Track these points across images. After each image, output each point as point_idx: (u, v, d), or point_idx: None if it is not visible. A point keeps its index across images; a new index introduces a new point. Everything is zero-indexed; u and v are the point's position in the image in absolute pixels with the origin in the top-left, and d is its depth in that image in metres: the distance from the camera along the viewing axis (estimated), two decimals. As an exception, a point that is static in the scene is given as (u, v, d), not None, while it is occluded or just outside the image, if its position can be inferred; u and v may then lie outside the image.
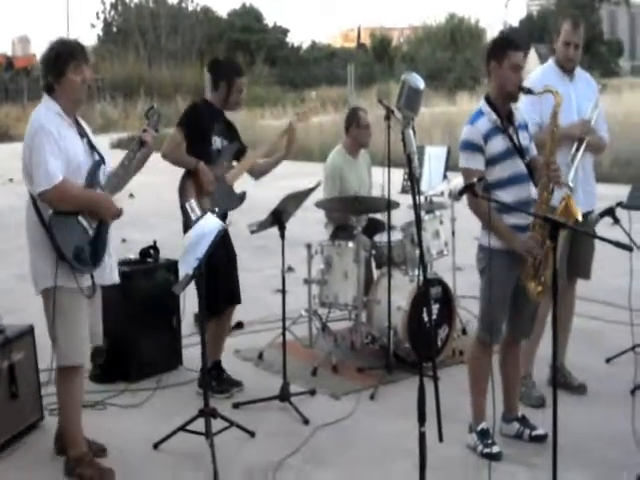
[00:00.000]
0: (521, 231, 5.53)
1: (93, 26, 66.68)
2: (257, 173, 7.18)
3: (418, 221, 4.43)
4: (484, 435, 5.77)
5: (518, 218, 5.54)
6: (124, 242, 12.00)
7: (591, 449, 5.84)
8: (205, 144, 6.85)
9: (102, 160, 5.51)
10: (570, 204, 5.41)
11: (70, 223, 5.28)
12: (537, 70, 6.86)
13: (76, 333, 5.44)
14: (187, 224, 6.33)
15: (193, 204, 6.42)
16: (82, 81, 5.37)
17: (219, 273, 6.76)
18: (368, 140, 8.44)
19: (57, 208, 5.20)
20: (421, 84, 4.59)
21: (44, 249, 5.26)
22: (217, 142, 6.92)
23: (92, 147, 5.51)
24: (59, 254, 5.20)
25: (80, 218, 5.32)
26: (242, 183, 7.01)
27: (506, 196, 5.51)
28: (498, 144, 5.56)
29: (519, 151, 5.62)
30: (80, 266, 5.31)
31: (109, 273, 5.64)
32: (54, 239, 5.18)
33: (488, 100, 5.67)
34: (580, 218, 5.39)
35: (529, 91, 5.62)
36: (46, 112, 5.33)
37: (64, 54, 5.35)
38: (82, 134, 5.47)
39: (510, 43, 5.68)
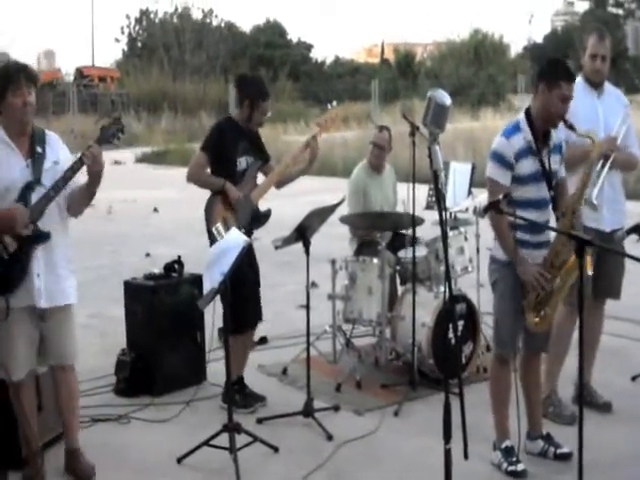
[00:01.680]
0: (533, 248, 5.53)
1: (118, 40, 67.04)
2: (279, 183, 7.18)
3: (444, 238, 4.42)
4: (508, 453, 5.74)
5: (532, 235, 5.53)
6: (148, 256, 12.07)
7: (616, 467, 5.79)
8: (230, 166, 6.86)
9: (36, 181, 5.42)
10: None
11: None
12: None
13: (7, 351, 5.52)
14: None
15: (220, 228, 6.43)
16: (23, 104, 5.39)
17: (247, 290, 6.78)
18: (377, 160, 8.47)
19: None
20: (447, 100, 4.59)
21: None
22: (242, 163, 6.93)
23: (37, 167, 5.47)
24: None
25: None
26: (267, 198, 7.01)
27: (526, 216, 5.48)
28: (528, 166, 5.53)
29: (547, 176, 5.58)
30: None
31: (45, 294, 5.49)
32: None
33: (528, 115, 5.62)
34: (590, 273, 5.35)
35: (571, 127, 5.56)
36: None
37: (4, 78, 5.40)
38: (33, 155, 5.46)
39: (565, 74, 5.55)
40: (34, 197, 5.38)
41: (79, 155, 5.40)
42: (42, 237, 5.42)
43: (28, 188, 5.39)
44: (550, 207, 5.62)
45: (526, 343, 5.82)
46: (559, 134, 5.78)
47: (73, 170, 5.40)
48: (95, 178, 5.47)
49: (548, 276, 5.40)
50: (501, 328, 5.66)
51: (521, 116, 5.65)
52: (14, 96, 5.36)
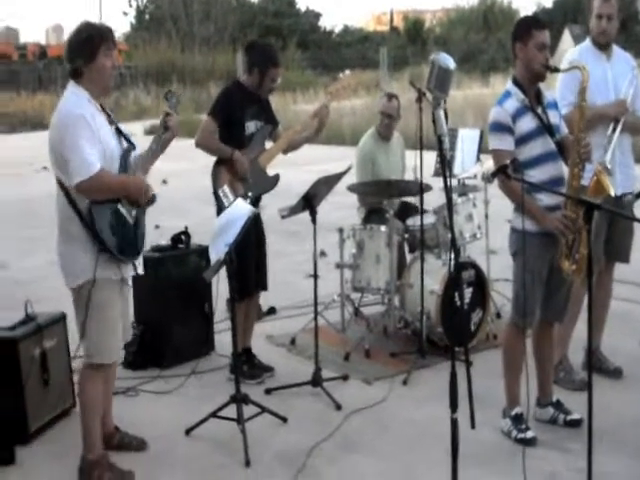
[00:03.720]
0: (554, 210, 5.46)
1: (126, 14, 67.24)
2: (286, 149, 7.12)
3: (449, 203, 4.36)
4: (518, 420, 5.71)
5: (550, 198, 5.47)
6: (157, 228, 12.02)
7: (627, 433, 5.77)
8: (238, 131, 6.81)
9: (133, 146, 5.34)
10: (601, 179, 5.34)
11: (110, 212, 5.10)
12: (574, 50, 6.75)
13: (112, 329, 5.29)
14: (220, 210, 6.32)
15: (226, 190, 6.40)
16: (112, 66, 5.18)
17: (250, 257, 6.75)
18: (386, 129, 8.40)
19: (94, 198, 5.01)
20: (451, 64, 4.52)
21: (81, 242, 5.07)
22: (251, 127, 6.88)
23: (120, 133, 5.33)
24: (101, 245, 5.04)
25: (119, 207, 5.15)
26: (274, 166, 6.97)
27: (538, 175, 5.46)
28: (527, 123, 5.50)
29: (548, 129, 5.55)
30: (123, 256, 5.18)
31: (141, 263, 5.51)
32: (95, 230, 5.01)
33: (515, 82, 5.61)
34: (612, 193, 5.31)
35: (556, 69, 5.57)
36: (77, 99, 5.10)
37: (96, 37, 5.11)
38: (111, 121, 5.29)
39: (534, 22, 5.63)
40: (132, 162, 5.30)
41: (162, 119, 5.40)
42: (153, 200, 5.41)
43: (125, 155, 5.26)
44: (561, 161, 5.56)
45: (544, 313, 5.77)
46: (564, 94, 5.75)
47: (160, 136, 5.41)
48: (167, 146, 5.50)
49: (572, 215, 5.33)
50: (521, 297, 5.59)
51: (509, 84, 5.66)
52: (106, 57, 5.13)
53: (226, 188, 6.46)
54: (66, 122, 5.00)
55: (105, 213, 5.07)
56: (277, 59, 6.93)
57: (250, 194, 6.34)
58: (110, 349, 5.34)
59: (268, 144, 7.07)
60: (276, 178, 6.89)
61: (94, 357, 5.26)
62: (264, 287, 7.15)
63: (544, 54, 5.51)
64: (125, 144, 5.32)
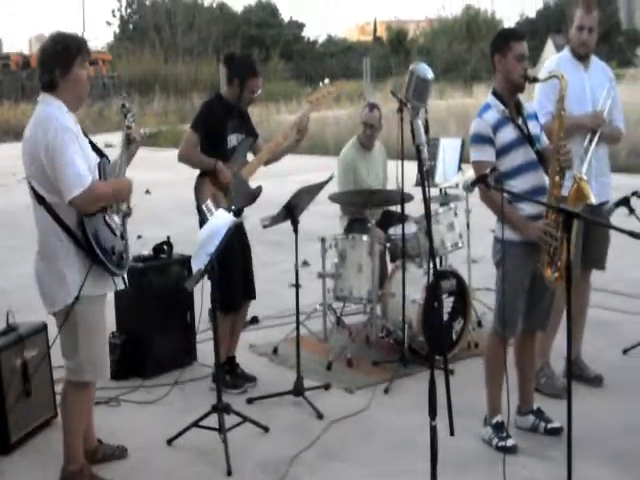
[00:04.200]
0: (536, 220, 5.48)
1: (109, 24, 67.03)
2: (268, 160, 7.12)
3: (427, 212, 4.38)
4: (499, 428, 5.73)
5: (532, 207, 5.50)
6: (140, 238, 12.02)
7: (607, 441, 5.78)
8: (220, 144, 6.82)
9: (106, 158, 5.27)
10: (582, 186, 5.36)
11: (100, 225, 5.05)
12: (552, 59, 6.80)
13: (101, 344, 5.27)
14: (203, 224, 6.33)
15: (210, 205, 6.40)
16: (87, 77, 5.14)
17: (235, 269, 6.78)
18: (368, 139, 8.42)
19: (88, 211, 4.94)
20: (429, 74, 4.56)
21: (70, 259, 4.98)
22: (232, 140, 6.90)
23: (91, 145, 5.26)
24: (94, 259, 4.96)
25: (107, 218, 5.10)
26: (257, 177, 6.98)
27: (519, 184, 5.50)
28: (507, 134, 5.54)
29: (529, 139, 5.59)
30: (117, 269, 5.12)
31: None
32: (90, 244, 4.93)
33: (495, 93, 5.65)
34: (593, 200, 5.34)
35: (534, 79, 5.62)
36: (58, 111, 5.00)
37: (73, 47, 5.04)
38: (84, 133, 5.21)
39: (512, 34, 5.70)
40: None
41: (125, 133, 5.35)
42: (129, 213, 5.37)
43: (103, 165, 5.16)
44: (542, 171, 5.59)
45: (526, 321, 5.80)
46: (545, 104, 5.79)
47: (125, 150, 5.35)
48: (133, 157, 5.47)
49: (553, 224, 5.36)
50: (504, 307, 5.62)
51: (489, 97, 5.70)
52: (81, 68, 5.07)
53: (209, 203, 6.46)
54: (52, 135, 4.89)
55: (95, 225, 5.02)
56: (256, 69, 6.94)
57: (233, 208, 6.35)
58: (102, 366, 5.33)
59: (249, 157, 7.09)
60: (259, 190, 6.91)
61: (86, 375, 5.23)
62: (253, 297, 7.16)
63: (523, 65, 5.55)
64: (97, 156, 5.22)
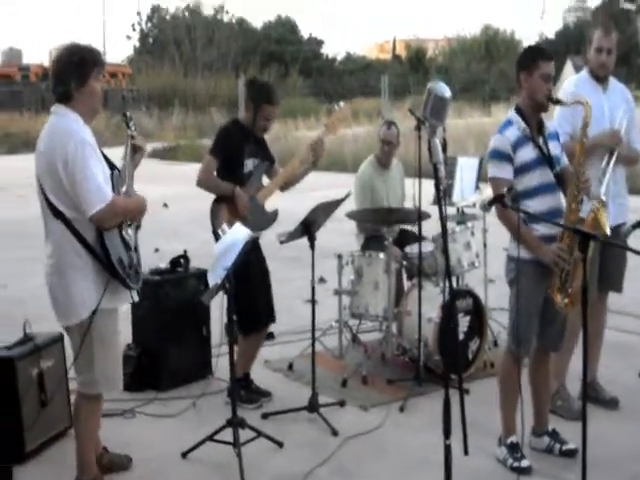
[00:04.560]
0: (550, 241, 5.47)
1: (129, 37, 67.09)
2: (284, 186, 7.17)
3: (444, 230, 4.40)
4: (514, 448, 5.72)
5: (547, 228, 5.49)
6: (157, 251, 12.06)
7: (623, 464, 5.77)
8: (237, 169, 6.86)
9: (117, 169, 5.27)
10: (599, 216, 5.37)
11: (118, 239, 5.08)
12: (570, 80, 6.79)
13: (116, 357, 5.32)
14: (219, 243, 6.35)
15: (225, 229, 6.41)
16: (101, 89, 5.15)
17: (257, 291, 6.82)
18: (385, 156, 8.44)
19: (108, 226, 4.96)
20: (447, 92, 4.58)
21: (87, 273, 4.98)
22: (249, 165, 6.93)
23: (103, 155, 5.23)
24: (112, 273, 4.98)
25: (123, 233, 5.12)
26: (275, 194, 7.01)
27: (535, 205, 5.48)
28: (527, 153, 5.53)
29: (548, 160, 5.57)
30: (133, 283, 5.15)
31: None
32: (109, 258, 4.94)
33: (518, 110, 5.64)
34: (608, 231, 5.33)
35: (558, 101, 5.60)
36: (74, 123, 5.01)
37: (89, 60, 5.06)
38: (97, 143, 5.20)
39: (540, 53, 5.66)
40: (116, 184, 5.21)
41: (129, 144, 5.34)
42: (139, 226, 5.39)
43: (114, 177, 5.16)
44: (560, 193, 5.58)
45: (540, 341, 5.79)
46: (562, 124, 5.80)
47: (131, 159, 5.35)
48: (138, 165, 5.46)
49: (566, 249, 5.35)
50: (518, 327, 5.62)
51: (511, 112, 5.69)
52: (97, 80, 5.07)
53: (225, 227, 6.47)
54: (72, 148, 4.88)
55: (114, 240, 5.04)
56: (273, 98, 6.94)
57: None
58: (117, 379, 5.37)
59: (265, 181, 7.12)
60: (275, 214, 6.93)
61: (100, 387, 5.26)
62: (272, 319, 7.19)
63: (548, 85, 5.54)
64: (108, 168, 5.21)
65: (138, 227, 5.39)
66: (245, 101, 7.05)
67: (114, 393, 6.17)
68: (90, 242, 4.98)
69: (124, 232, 5.15)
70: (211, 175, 6.88)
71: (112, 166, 5.27)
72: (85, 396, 5.30)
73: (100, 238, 4.96)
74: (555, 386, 6.54)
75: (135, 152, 5.41)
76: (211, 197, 6.92)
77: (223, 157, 6.85)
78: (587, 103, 5.51)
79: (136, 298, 5.36)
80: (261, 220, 6.85)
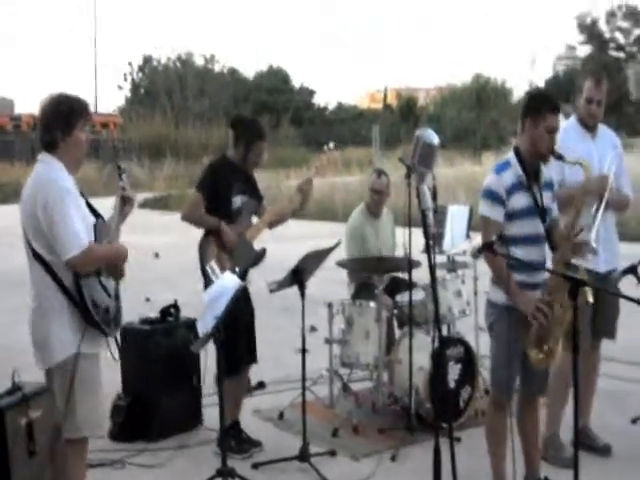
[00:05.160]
0: (530, 289, 5.47)
1: (120, 87, 67.26)
2: (272, 224, 7.17)
3: (433, 277, 4.40)
4: (505, 498, 5.68)
5: (528, 276, 5.50)
6: (148, 301, 12.03)
7: (615, 512, 5.74)
8: (225, 205, 6.87)
9: (102, 218, 5.33)
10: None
11: (95, 285, 5.11)
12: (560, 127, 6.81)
13: (98, 401, 5.30)
14: (208, 286, 6.33)
15: (214, 266, 6.41)
16: (86, 140, 5.23)
17: (240, 332, 6.78)
18: (375, 205, 8.47)
19: (83, 271, 5.00)
20: (435, 139, 4.59)
21: (64, 317, 5.03)
22: (237, 201, 6.94)
23: (88, 206, 5.31)
24: (87, 319, 5.02)
25: (102, 279, 5.16)
26: (265, 241, 7.01)
27: (521, 254, 5.46)
28: (520, 200, 5.51)
29: (541, 212, 5.56)
30: (109, 329, 5.17)
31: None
32: (85, 304, 4.99)
33: (517, 153, 5.62)
34: (591, 300, 5.31)
35: (560, 157, 5.56)
36: (58, 171, 5.08)
37: (76, 110, 5.15)
38: (81, 193, 5.26)
39: (549, 105, 5.59)
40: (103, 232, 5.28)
41: (119, 197, 5.40)
42: (124, 274, 5.38)
43: (98, 226, 5.23)
44: (546, 244, 5.58)
45: (523, 386, 5.77)
46: (551, 173, 5.80)
47: (120, 211, 5.41)
48: (127, 217, 5.50)
49: (546, 307, 5.33)
50: (497, 371, 5.62)
51: (510, 154, 5.65)
52: (82, 131, 5.16)
53: (213, 264, 6.47)
54: (52, 195, 4.96)
55: (91, 286, 5.08)
56: (263, 133, 7.02)
57: (237, 270, 6.36)
58: (100, 422, 5.38)
59: (254, 219, 7.13)
60: (263, 252, 6.92)
61: (83, 431, 5.23)
62: (254, 361, 7.15)
63: (552, 138, 5.53)
64: (92, 217, 5.28)
65: (121, 275, 5.38)
66: (234, 139, 7.03)
67: (102, 442, 6.18)
68: (68, 286, 5.03)
69: (103, 279, 5.18)
70: (196, 209, 6.88)
71: (97, 215, 5.33)
72: (72, 441, 5.27)
73: (77, 283, 5.00)
74: (548, 434, 6.51)
75: (124, 204, 5.45)
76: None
77: (210, 193, 6.85)
78: (588, 167, 5.54)
79: (115, 352, 5.39)
80: (249, 257, 6.84)
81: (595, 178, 6.32)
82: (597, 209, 6.32)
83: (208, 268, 6.45)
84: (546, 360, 5.44)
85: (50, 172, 5.09)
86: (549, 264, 5.53)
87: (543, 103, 5.64)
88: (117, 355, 5.40)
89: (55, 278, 5.04)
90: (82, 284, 5.00)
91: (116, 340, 5.38)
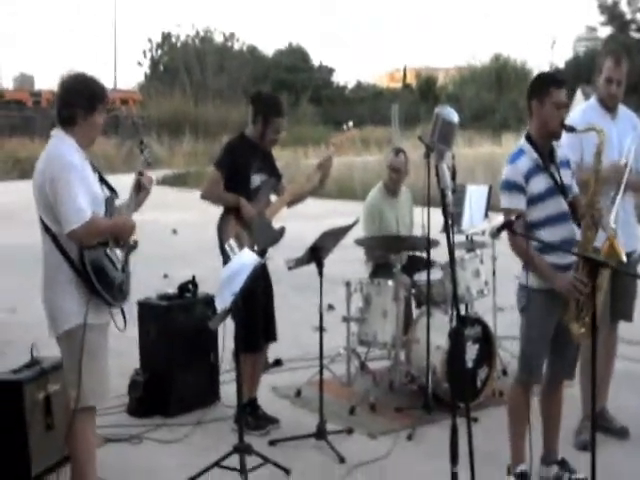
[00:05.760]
0: (562, 270, 5.44)
1: (140, 64, 67.20)
2: (291, 202, 7.17)
3: (452, 256, 4.39)
4: (523, 478, 5.67)
5: (559, 257, 5.46)
6: (166, 277, 12.06)
7: (632, 494, 5.73)
8: (244, 183, 6.86)
9: (115, 194, 5.46)
10: (614, 244, 5.34)
11: (101, 257, 5.19)
12: (578, 108, 6.76)
13: (103, 370, 5.34)
14: (226, 264, 6.34)
15: (232, 244, 6.41)
16: (101, 124, 5.36)
17: (258, 309, 6.77)
18: (393, 184, 8.46)
19: (86, 244, 5.10)
20: (455, 117, 4.56)
21: (69, 288, 5.14)
22: (256, 180, 6.92)
23: (102, 180, 5.43)
24: (92, 290, 5.11)
25: (108, 251, 5.24)
26: (285, 219, 7.01)
27: (548, 235, 5.43)
28: (540, 183, 5.47)
29: (561, 190, 5.52)
30: (114, 300, 5.24)
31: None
32: (88, 276, 5.09)
33: (529, 138, 5.57)
34: (624, 259, 5.29)
35: (571, 129, 5.51)
36: (67, 147, 5.20)
37: (99, 94, 5.31)
38: (94, 168, 5.38)
39: (553, 80, 5.57)
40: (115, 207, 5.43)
41: (136, 179, 5.53)
42: (135, 246, 5.50)
43: (110, 201, 5.37)
44: (572, 223, 5.54)
45: (552, 370, 5.75)
46: (567, 153, 5.76)
47: (134, 196, 5.53)
48: (142, 203, 5.62)
49: (584, 279, 5.29)
50: (528, 355, 5.59)
51: (522, 141, 5.62)
52: (100, 114, 5.30)
53: (232, 242, 6.47)
54: (58, 169, 5.09)
55: (96, 258, 5.17)
56: (281, 109, 6.99)
57: (256, 248, 6.36)
58: (104, 391, 5.40)
59: (272, 197, 7.12)
60: (282, 231, 6.90)
61: (89, 400, 5.26)
62: (274, 338, 7.16)
63: (561, 113, 5.48)
64: (107, 191, 5.41)
65: (132, 248, 5.48)
66: (252, 115, 7.01)
67: (119, 417, 6.22)
68: (73, 258, 5.13)
69: (109, 251, 5.26)
70: (215, 186, 6.88)
71: (111, 189, 5.47)
72: (80, 411, 5.27)
73: (81, 254, 5.10)
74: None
75: (139, 190, 5.56)
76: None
77: (229, 171, 6.84)
78: (601, 130, 5.48)
79: (121, 325, 5.41)
80: (268, 236, 6.83)
81: (608, 168, 6.16)
82: (616, 191, 6.27)
83: (227, 246, 6.45)
84: (587, 334, 5.39)
85: (59, 148, 5.21)
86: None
87: (546, 80, 5.63)
88: (122, 326, 5.39)
89: (62, 250, 5.14)
90: (85, 255, 5.10)
91: (122, 311, 5.42)
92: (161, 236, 18.03)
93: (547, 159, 5.55)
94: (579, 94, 56.19)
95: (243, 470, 5.66)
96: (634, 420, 6.89)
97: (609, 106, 6.59)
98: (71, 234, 5.03)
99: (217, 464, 5.87)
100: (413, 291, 7.93)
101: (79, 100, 5.23)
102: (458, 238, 8.01)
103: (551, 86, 5.48)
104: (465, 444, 4.30)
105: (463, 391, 6.42)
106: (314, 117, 58.21)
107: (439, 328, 7.32)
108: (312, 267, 6.69)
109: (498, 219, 5.92)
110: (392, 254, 7.80)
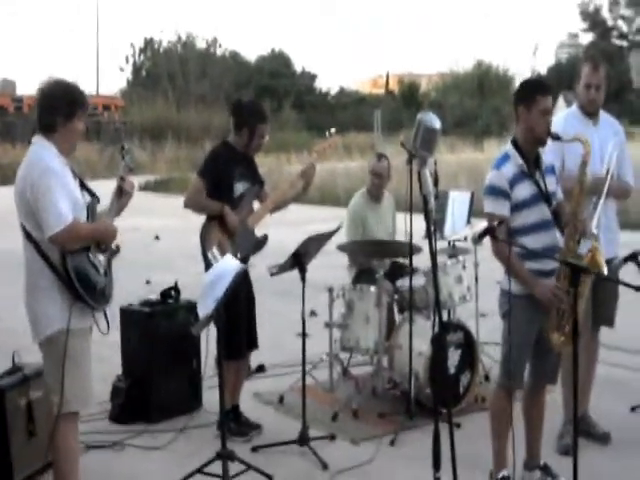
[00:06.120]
0: (545, 277, 5.46)
1: (122, 70, 67.05)
2: (273, 209, 7.15)
3: (434, 262, 4.40)
4: (505, 483, 5.69)
5: (542, 264, 5.48)
6: (148, 283, 12.04)
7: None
8: (227, 192, 6.85)
9: (97, 199, 5.47)
10: (596, 256, 5.36)
11: (83, 261, 5.20)
12: (560, 115, 6.78)
13: (86, 376, 5.34)
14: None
15: (215, 252, 6.41)
16: (81, 130, 5.36)
17: (241, 316, 6.77)
18: (376, 189, 8.47)
19: (68, 249, 5.11)
20: (436, 123, 4.57)
21: (51, 293, 5.14)
22: (239, 188, 6.92)
23: (83, 186, 5.45)
24: (76, 295, 5.12)
25: (91, 256, 5.25)
26: (267, 225, 7.00)
27: (531, 242, 5.45)
28: (524, 190, 5.49)
29: (545, 197, 5.54)
30: (97, 304, 5.25)
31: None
32: (70, 280, 5.09)
33: (515, 144, 5.60)
34: (605, 272, 5.31)
35: (557, 137, 5.54)
36: (47, 153, 5.21)
37: (79, 101, 5.32)
38: (75, 175, 5.38)
39: (539, 87, 5.61)
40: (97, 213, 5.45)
41: (117, 185, 5.52)
42: (117, 251, 5.53)
43: (92, 206, 5.39)
44: (556, 229, 5.56)
45: (534, 375, 5.78)
46: (549, 158, 5.78)
47: (115, 201, 5.53)
48: (124, 208, 5.61)
49: (564, 288, 5.32)
50: (510, 360, 5.60)
51: (508, 146, 5.64)
52: (79, 120, 5.31)
53: (215, 250, 6.48)
54: (38, 175, 5.11)
55: (79, 263, 5.18)
56: (265, 116, 7.01)
57: (239, 255, 6.36)
58: (87, 397, 5.39)
59: (255, 205, 7.12)
60: (264, 238, 6.91)
61: (72, 405, 5.26)
62: (255, 345, 7.16)
63: (547, 120, 5.51)
64: (89, 197, 5.43)
65: (115, 253, 5.52)
66: (235, 124, 7.00)
67: (101, 424, 6.19)
68: (55, 263, 5.14)
69: (92, 256, 5.27)
70: (198, 195, 6.86)
71: (92, 195, 5.49)
72: (63, 416, 5.26)
73: (63, 259, 5.11)
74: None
75: (121, 196, 5.56)
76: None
77: (212, 179, 6.83)
78: (586, 141, 5.51)
79: (104, 329, 5.41)
80: (251, 244, 6.83)
81: (592, 181, 6.18)
82: (598, 197, 6.30)
83: (210, 255, 6.46)
84: (567, 342, 5.40)
85: (40, 154, 5.23)
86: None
87: (532, 87, 5.67)
88: (105, 329, 5.39)
89: (43, 256, 5.15)
90: (68, 260, 5.11)
91: (105, 315, 5.42)
92: (143, 242, 18.01)
93: (532, 165, 5.57)
94: (561, 100, 56.44)
95: (226, 476, 5.64)
96: (615, 425, 6.91)
97: (590, 112, 6.62)
98: (52, 238, 5.04)
99: (200, 471, 5.86)
100: (396, 297, 7.94)
101: (59, 106, 5.24)
102: (440, 244, 8.00)
103: (537, 93, 5.52)
104: (448, 449, 4.31)
105: (445, 397, 6.43)
106: (297, 123, 58.21)
107: (421, 334, 7.32)
108: (294, 273, 6.69)
109: (481, 225, 5.93)
110: (375, 260, 7.80)
